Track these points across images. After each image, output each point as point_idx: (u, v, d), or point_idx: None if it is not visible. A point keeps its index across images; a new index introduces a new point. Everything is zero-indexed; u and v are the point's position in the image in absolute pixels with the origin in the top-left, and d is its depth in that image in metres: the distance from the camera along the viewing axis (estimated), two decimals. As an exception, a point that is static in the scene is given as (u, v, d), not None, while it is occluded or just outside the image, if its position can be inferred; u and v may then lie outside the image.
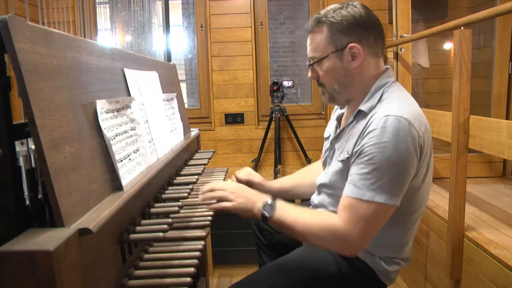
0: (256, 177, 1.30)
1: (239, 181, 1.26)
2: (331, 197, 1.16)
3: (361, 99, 1.09)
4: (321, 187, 1.23)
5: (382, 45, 1.10)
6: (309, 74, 1.16)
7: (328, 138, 1.27)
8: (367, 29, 1.06)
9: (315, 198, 1.27)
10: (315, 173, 1.36)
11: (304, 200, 1.43)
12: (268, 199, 1.06)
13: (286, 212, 1.04)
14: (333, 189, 1.14)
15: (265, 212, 1.04)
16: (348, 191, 1.01)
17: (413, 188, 1.04)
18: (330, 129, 1.29)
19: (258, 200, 1.06)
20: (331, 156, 1.20)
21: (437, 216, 1.78)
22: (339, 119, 1.24)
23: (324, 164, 1.27)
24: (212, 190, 1.08)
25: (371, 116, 1.02)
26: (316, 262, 1.12)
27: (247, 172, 1.32)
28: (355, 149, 1.02)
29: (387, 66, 1.14)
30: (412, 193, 1.05)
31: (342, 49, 1.06)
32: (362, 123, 1.04)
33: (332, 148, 1.20)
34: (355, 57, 1.06)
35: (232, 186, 1.10)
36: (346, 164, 1.07)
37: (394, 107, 1.00)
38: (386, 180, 0.96)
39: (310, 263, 1.12)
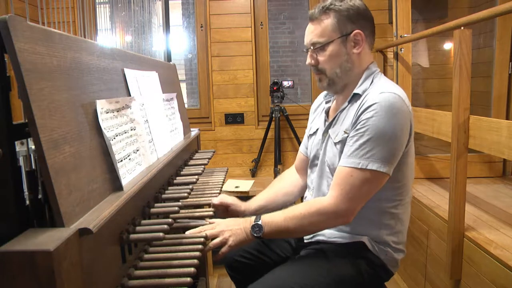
0: (229, 199, 1.31)
1: (214, 206, 1.27)
2: None
3: (354, 85, 1.18)
4: (322, 181, 1.24)
5: (374, 39, 1.22)
6: (308, 60, 1.21)
7: (315, 133, 1.30)
8: (367, 21, 1.17)
9: (309, 197, 1.29)
10: (288, 181, 1.44)
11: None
12: (253, 221, 1.10)
13: (274, 221, 1.10)
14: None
15: (257, 234, 1.09)
16: (343, 161, 1.09)
17: (403, 162, 1.13)
18: (317, 124, 1.32)
19: (245, 227, 1.10)
20: (324, 146, 1.22)
21: (437, 216, 1.78)
22: (327, 112, 1.29)
23: (315, 159, 1.27)
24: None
25: (365, 96, 1.11)
26: (332, 264, 1.13)
27: (220, 197, 1.31)
28: (352, 126, 1.10)
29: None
30: (402, 168, 1.13)
31: (347, 35, 1.15)
32: (357, 104, 1.13)
33: (325, 137, 1.23)
34: (357, 43, 1.16)
35: (218, 228, 1.10)
36: (344, 143, 1.12)
37: (386, 86, 1.11)
38: (379, 149, 1.04)
39: (327, 265, 1.13)
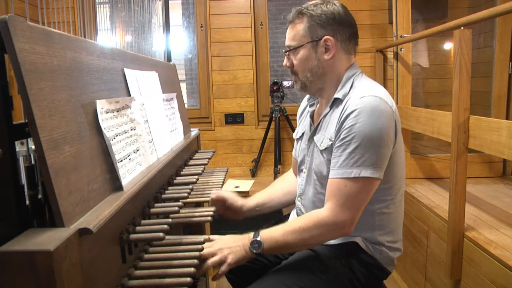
0: (225, 194, 1.30)
1: (212, 202, 1.26)
2: (323, 188, 1.17)
3: (334, 89, 1.17)
4: (308, 186, 1.24)
5: (354, 43, 1.19)
6: (285, 61, 1.22)
7: (301, 137, 1.31)
8: (342, 26, 1.14)
9: (300, 205, 1.28)
10: (289, 181, 1.43)
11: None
12: (252, 237, 1.07)
13: (272, 236, 1.07)
14: (324, 179, 1.16)
15: (256, 250, 1.05)
16: (335, 173, 1.07)
17: (391, 162, 1.11)
18: (303, 128, 1.32)
19: (244, 243, 1.07)
20: (310, 152, 1.22)
21: (437, 216, 1.78)
22: (312, 116, 1.29)
23: (302, 164, 1.27)
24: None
25: (347, 101, 1.09)
26: (327, 265, 1.12)
27: (216, 192, 1.31)
28: (336, 134, 1.08)
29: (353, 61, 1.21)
30: (391, 167, 1.11)
31: (317, 40, 1.14)
32: (339, 109, 1.11)
33: (310, 144, 1.23)
34: (328, 49, 1.14)
35: (217, 245, 1.06)
36: (330, 150, 1.11)
37: (366, 89, 1.09)
38: (369, 155, 1.03)
39: (321, 267, 1.12)
